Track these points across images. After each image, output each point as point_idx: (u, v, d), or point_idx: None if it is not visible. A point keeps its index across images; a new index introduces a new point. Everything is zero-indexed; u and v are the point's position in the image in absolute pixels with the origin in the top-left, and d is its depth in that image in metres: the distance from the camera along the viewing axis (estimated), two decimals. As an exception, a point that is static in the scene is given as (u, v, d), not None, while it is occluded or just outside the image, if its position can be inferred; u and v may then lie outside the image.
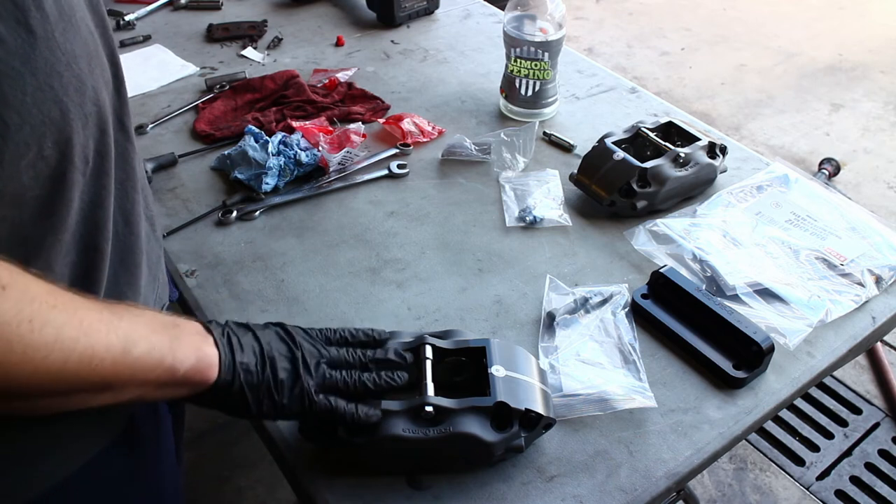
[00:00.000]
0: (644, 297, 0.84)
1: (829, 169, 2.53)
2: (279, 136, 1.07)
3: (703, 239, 0.91)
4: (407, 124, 1.14)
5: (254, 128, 1.11)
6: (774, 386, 0.76)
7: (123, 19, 1.49)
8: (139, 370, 0.51)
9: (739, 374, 0.75)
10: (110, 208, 0.56)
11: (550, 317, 0.82)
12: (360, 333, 0.66)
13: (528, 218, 0.97)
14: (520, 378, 0.66)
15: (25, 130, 0.45)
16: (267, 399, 0.59)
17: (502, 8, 1.26)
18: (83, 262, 0.54)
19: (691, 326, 0.80)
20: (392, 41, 1.44)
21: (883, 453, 1.70)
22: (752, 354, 0.75)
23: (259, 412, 0.59)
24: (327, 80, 1.27)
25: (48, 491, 0.56)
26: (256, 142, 1.07)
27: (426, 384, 0.63)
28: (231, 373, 0.57)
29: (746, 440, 1.72)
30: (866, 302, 0.85)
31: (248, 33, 1.45)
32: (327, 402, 0.60)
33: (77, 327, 0.46)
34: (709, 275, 0.86)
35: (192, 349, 0.55)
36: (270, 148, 1.04)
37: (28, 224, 0.48)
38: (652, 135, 1.00)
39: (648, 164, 0.95)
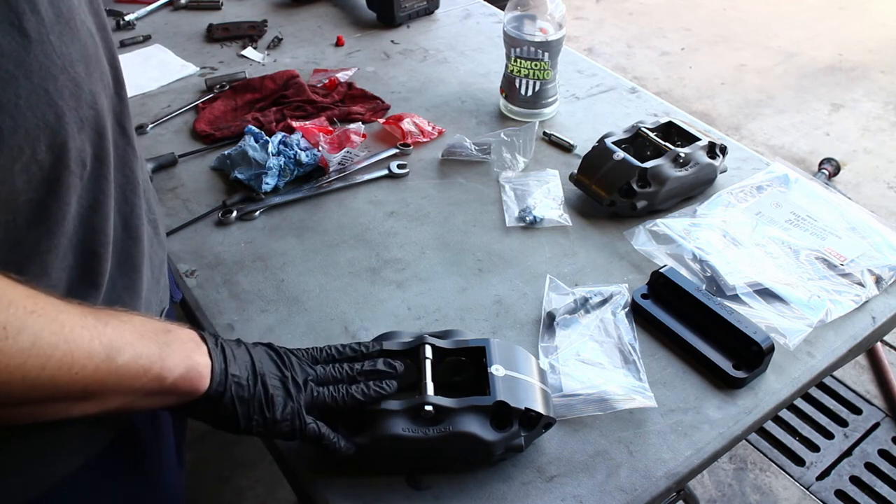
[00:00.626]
0: (644, 297, 0.84)
1: (829, 169, 2.53)
2: (279, 136, 1.07)
3: (703, 239, 0.91)
4: (407, 124, 1.14)
5: (254, 128, 1.11)
6: (774, 386, 0.76)
7: (123, 19, 1.49)
8: (124, 378, 0.50)
9: (739, 374, 0.75)
10: (109, 213, 0.56)
11: (550, 317, 0.82)
12: (346, 349, 0.66)
13: (528, 218, 0.97)
14: (520, 377, 0.66)
15: (19, 134, 0.44)
16: (258, 415, 0.58)
17: (502, 8, 1.26)
18: (80, 267, 0.54)
19: (691, 326, 0.80)
20: (392, 41, 1.44)
21: (883, 453, 1.70)
22: (752, 354, 0.75)
23: (248, 427, 0.59)
24: (327, 80, 1.27)
25: (47, 492, 0.56)
26: (256, 142, 1.07)
27: (426, 384, 0.63)
28: (223, 384, 0.56)
29: (746, 440, 1.72)
30: (866, 302, 0.85)
31: (248, 33, 1.45)
32: (315, 426, 0.61)
33: (57, 333, 0.45)
34: (709, 275, 0.86)
35: (182, 357, 0.54)
36: (270, 148, 1.04)
37: (22, 228, 0.48)
38: (652, 135, 1.00)
39: (648, 164, 0.94)
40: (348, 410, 0.62)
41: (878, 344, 1.93)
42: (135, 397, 0.52)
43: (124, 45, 1.42)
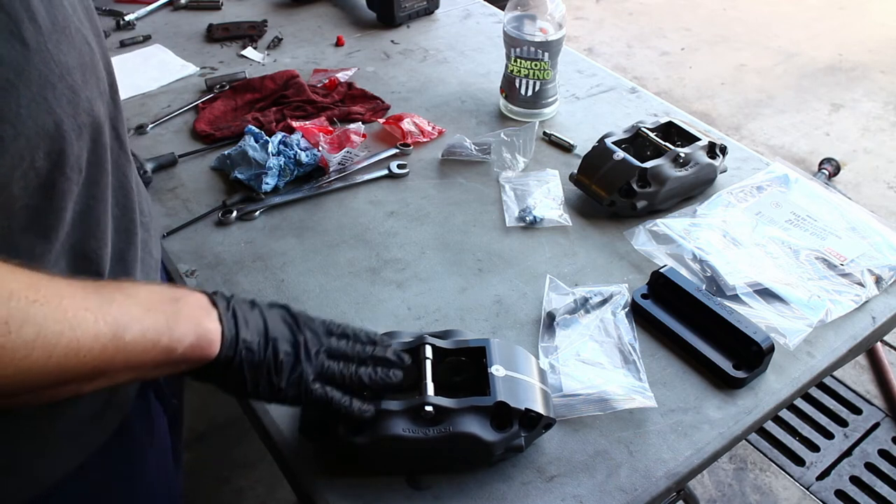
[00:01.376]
0: (644, 297, 0.84)
1: (829, 169, 2.53)
2: (279, 136, 1.07)
3: (703, 239, 0.91)
4: (407, 124, 1.14)
5: (254, 128, 1.11)
6: (774, 386, 0.76)
7: (123, 19, 1.49)
8: (133, 354, 0.49)
9: (739, 374, 0.75)
10: (103, 216, 0.56)
11: (550, 317, 0.82)
12: (361, 333, 0.65)
13: (528, 218, 0.97)
14: (520, 378, 0.66)
15: (20, 142, 0.44)
16: (265, 380, 0.58)
17: (502, 8, 1.26)
18: (74, 270, 0.54)
19: (691, 326, 0.80)
20: (392, 41, 1.44)
21: (883, 453, 1.70)
22: (752, 354, 0.75)
23: (255, 392, 0.58)
24: (327, 80, 1.27)
25: (45, 492, 0.56)
26: (256, 142, 1.07)
27: (426, 384, 0.63)
28: (233, 349, 0.56)
29: (746, 440, 1.72)
30: (866, 302, 0.85)
31: (248, 33, 1.45)
32: (323, 391, 0.60)
33: (61, 320, 0.44)
34: (709, 275, 0.86)
35: (192, 326, 0.54)
36: (270, 148, 1.04)
37: (18, 233, 0.48)
38: (652, 135, 1.00)
39: (648, 164, 0.94)
40: (354, 390, 0.62)
41: (878, 344, 1.93)
42: (145, 370, 0.52)
43: (124, 45, 1.42)
